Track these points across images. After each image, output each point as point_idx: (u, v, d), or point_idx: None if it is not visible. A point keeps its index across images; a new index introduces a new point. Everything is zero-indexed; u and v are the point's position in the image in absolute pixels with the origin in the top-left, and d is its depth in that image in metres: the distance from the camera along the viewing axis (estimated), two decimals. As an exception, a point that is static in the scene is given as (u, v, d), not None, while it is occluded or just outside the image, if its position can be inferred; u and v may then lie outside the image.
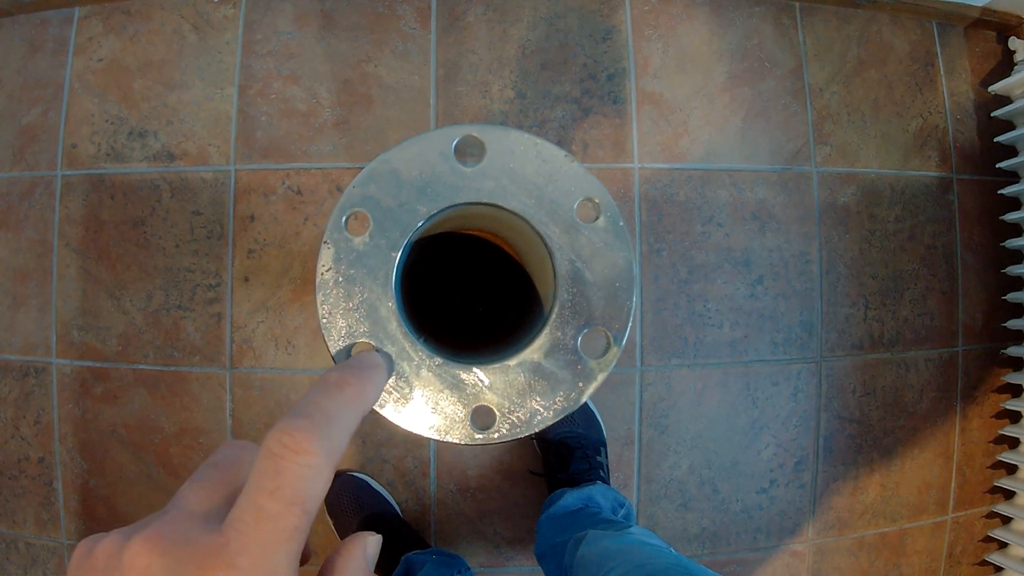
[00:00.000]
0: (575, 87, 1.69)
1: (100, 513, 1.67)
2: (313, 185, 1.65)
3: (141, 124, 1.67)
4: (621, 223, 0.52)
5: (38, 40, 1.72)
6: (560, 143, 1.65)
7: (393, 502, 1.64)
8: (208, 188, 1.65)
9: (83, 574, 0.32)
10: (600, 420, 1.64)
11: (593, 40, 1.71)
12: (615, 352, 0.52)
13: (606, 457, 1.61)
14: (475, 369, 0.51)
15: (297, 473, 0.31)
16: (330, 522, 1.62)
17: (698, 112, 1.72)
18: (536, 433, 1.60)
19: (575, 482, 1.51)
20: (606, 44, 1.71)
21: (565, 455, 1.55)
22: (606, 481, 1.57)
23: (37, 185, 1.69)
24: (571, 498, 1.43)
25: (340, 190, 1.65)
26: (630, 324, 0.52)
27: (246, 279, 1.64)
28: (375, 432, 1.65)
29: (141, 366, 1.65)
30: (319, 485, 0.32)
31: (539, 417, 0.51)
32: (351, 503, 1.58)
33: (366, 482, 1.62)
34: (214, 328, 1.64)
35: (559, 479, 1.54)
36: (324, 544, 1.66)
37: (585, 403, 1.58)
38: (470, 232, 0.69)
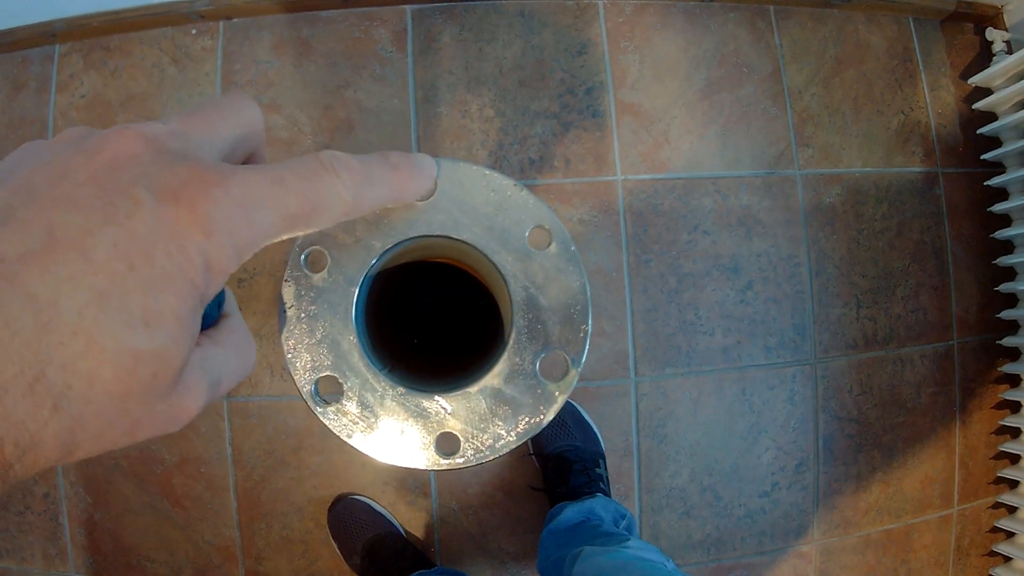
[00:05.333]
0: (554, 103, 1.70)
1: (106, 546, 1.68)
2: (299, 212, 1.65)
3: (126, 159, 1.68)
4: (573, 248, 0.53)
5: (21, 79, 1.73)
6: (542, 159, 1.66)
7: (396, 522, 1.64)
8: (196, 220, 1.66)
9: (53, 142, 0.30)
10: (597, 433, 1.65)
11: (569, 55, 1.72)
12: (574, 374, 0.53)
13: (605, 469, 1.62)
14: (437, 397, 0.52)
15: (327, 187, 0.32)
16: (334, 545, 1.63)
17: (678, 121, 1.73)
18: (533, 448, 1.61)
19: (575, 496, 1.51)
20: (582, 58, 1.72)
21: (564, 469, 1.55)
22: (607, 493, 1.57)
23: (27, 225, 1.70)
24: (572, 512, 1.43)
25: (326, 216, 1.66)
26: (587, 346, 0.53)
27: (238, 308, 1.65)
28: (373, 454, 1.66)
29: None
30: (332, 214, 0.33)
31: (502, 441, 0.52)
32: (354, 526, 1.59)
33: (368, 504, 1.62)
34: (208, 359, 1.65)
35: (559, 493, 1.55)
36: (330, 567, 1.66)
37: (582, 416, 1.60)
38: (437, 260, 0.70)
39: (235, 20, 1.70)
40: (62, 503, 1.68)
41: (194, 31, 1.71)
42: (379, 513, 1.62)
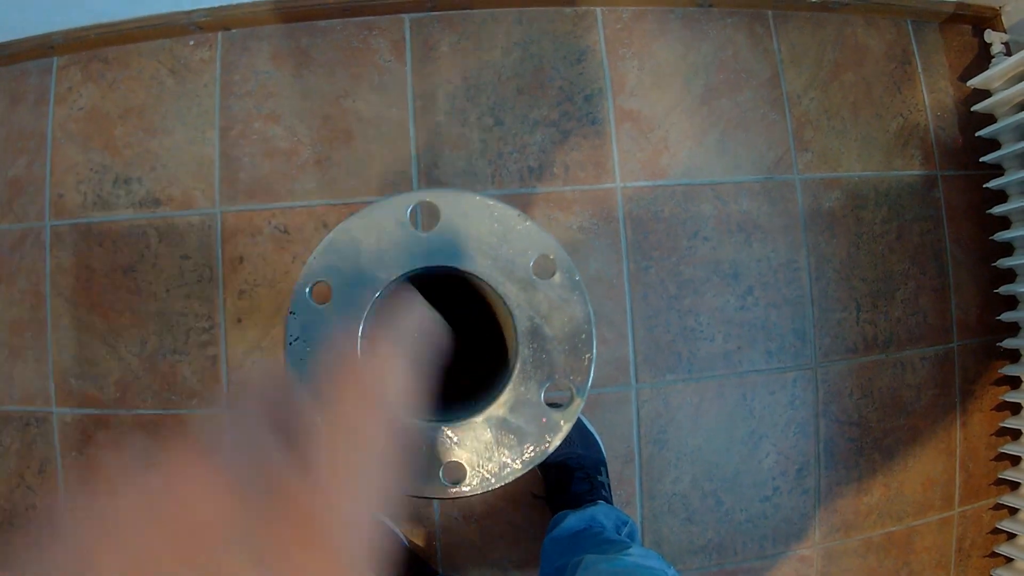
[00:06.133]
0: (553, 110, 1.70)
1: (108, 559, 1.67)
2: (299, 223, 1.65)
3: (125, 171, 1.68)
4: (577, 277, 0.53)
5: (19, 92, 1.73)
6: (541, 167, 1.66)
7: (398, 532, 1.64)
8: (195, 232, 1.66)
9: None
10: (599, 440, 1.64)
11: (568, 62, 1.72)
12: (579, 403, 0.53)
13: (607, 476, 1.62)
14: (444, 427, 0.52)
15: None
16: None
17: (677, 127, 1.73)
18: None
19: (577, 503, 1.51)
20: (581, 65, 1.72)
21: (565, 477, 1.55)
22: (608, 500, 1.57)
23: (27, 236, 1.70)
24: (574, 520, 1.43)
25: (326, 227, 1.65)
26: (592, 375, 0.53)
27: (239, 320, 1.65)
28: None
29: (140, 411, 1.66)
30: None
31: (508, 469, 0.52)
32: (356, 535, 1.58)
33: (370, 514, 1.62)
34: (210, 370, 1.65)
35: (561, 501, 1.54)
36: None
37: (583, 423, 1.59)
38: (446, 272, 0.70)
39: (233, 31, 1.70)
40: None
41: (192, 42, 1.71)
42: (381, 522, 1.62)
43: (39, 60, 1.73)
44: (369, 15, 1.70)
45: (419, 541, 1.66)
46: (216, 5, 1.65)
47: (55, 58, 1.73)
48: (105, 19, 1.66)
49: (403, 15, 1.70)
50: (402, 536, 1.64)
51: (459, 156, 1.68)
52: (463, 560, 1.67)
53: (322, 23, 1.70)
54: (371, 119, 1.68)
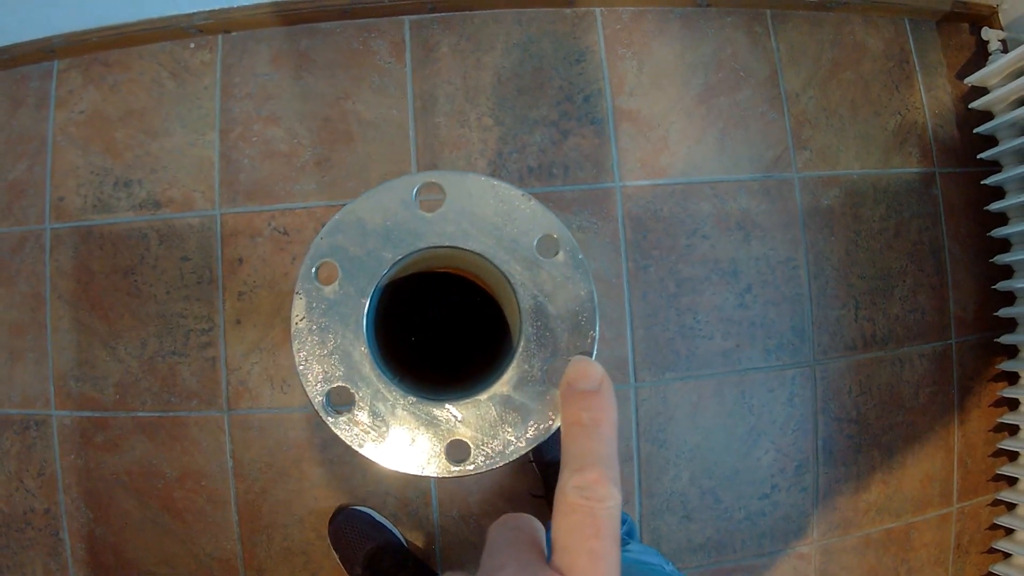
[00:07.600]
0: (552, 110, 1.71)
1: (108, 561, 1.67)
2: (299, 224, 1.66)
3: (125, 174, 1.69)
4: (580, 256, 0.53)
5: (19, 95, 1.73)
6: (540, 167, 1.67)
7: (397, 533, 1.64)
8: (195, 233, 1.67)
9: None
10: (598, 438, 1.64)
11: (567, 62, 1.72)
12: (582, 381, 0.53)
13: (606, 475, 1.61)
14: (447, 405, 0.53)
15: (607, 515, 0.34)
16: (335, 556, 1.62)
17: (676, 126, 1.74)
18: (533, 456, 1.61)
19: (576, 502, 1.51)
20: (580, 66, 1.73)
21: (564, 476, 1.55)
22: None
23: (27, 239, 1.70)
24: (572, 518, 1.42)
25: (326, 226, 1.66)
26: (595, 352, 0.53)
27: (238, 321, 1.65)
28: (374, 465, 1.65)
29: (139, 413, 1.66)
30: (620, 517, 0.35)
31: (512, 447, 0.53)
32: (356, 536, 1.59)
33: (369, 515, 1.62)
34: (209, 372, 1.65)
35: (560, 500, 1.54)
36: (331, 577, 1.67)
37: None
38: (444, 271, 0.70)
39: (233, 33, 1.71)
40: (63, 519, 1.68)
41: (192, 45, 1.71)
42: (380, 523, 1.62)
43: (40, 64, 1.74)
44: (369, 17, 1.71)
45: (418, 541, 1.66)
46: (216, 8, 1.66)
47: (56, 61, 1.74)
48: (106, 22, 1.66)
49: (403, 17, 1.71)
50: (401, 537, 1.64)
51: (459, 156, 1.69)
52: (463, 560, 1.67)
53: (322, 25, 1.71)
54: (371, 120, 1.69)
